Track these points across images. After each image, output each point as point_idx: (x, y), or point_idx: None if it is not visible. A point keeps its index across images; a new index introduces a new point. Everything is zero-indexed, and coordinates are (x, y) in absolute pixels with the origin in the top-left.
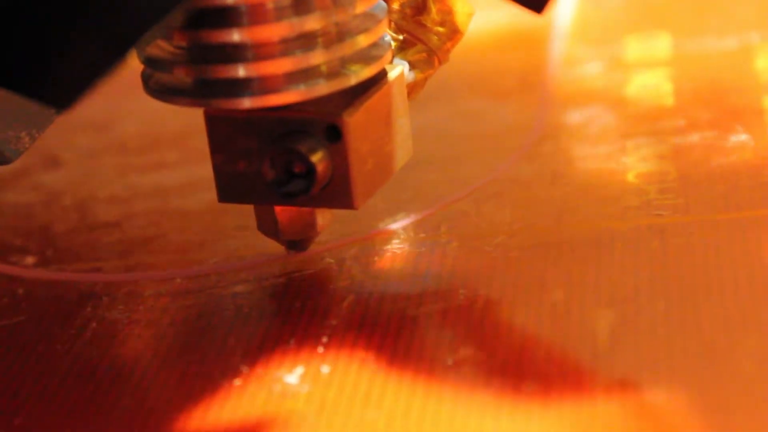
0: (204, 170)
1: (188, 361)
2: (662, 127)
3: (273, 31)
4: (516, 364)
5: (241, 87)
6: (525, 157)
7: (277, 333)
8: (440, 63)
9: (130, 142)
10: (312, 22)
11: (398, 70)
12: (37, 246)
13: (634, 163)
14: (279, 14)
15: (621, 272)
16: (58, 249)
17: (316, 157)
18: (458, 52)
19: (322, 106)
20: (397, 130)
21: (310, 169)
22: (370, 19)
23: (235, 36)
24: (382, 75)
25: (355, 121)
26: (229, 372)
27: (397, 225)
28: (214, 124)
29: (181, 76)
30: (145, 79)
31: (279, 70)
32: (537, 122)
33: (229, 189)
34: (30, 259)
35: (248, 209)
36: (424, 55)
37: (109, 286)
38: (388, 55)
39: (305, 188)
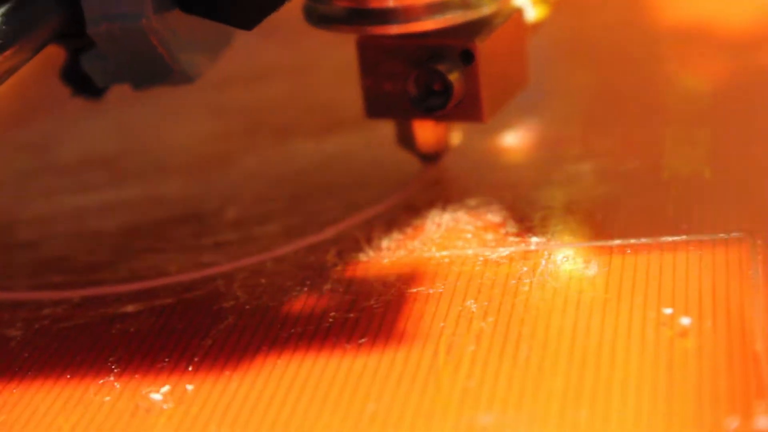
0: (125, 192)
1: (67, 379)
2: (558, 154)
3: None
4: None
5: (390, 15)
6: (424, 184)
7: (156, 352)
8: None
9: (64, 163)
10: None
11: (521, 5)
12: None
13: (525, 191)
14: None
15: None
16: None
17: (453, 77)
18: None
19: (458, 34)
20: (519, 57)
21: (448, 87)
22: None
23: None
24: (508, 8)
25: (486, 47)
26: (104, 389)
27: (288, 249)
28: (366, 50)
29: (338, 7)
30: (308, 12)
31: (421, 2)
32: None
33: (376, 106)
34: None
35: (158, 233)
36: None
37: (13, 304)
38: None
39: (443, 103)
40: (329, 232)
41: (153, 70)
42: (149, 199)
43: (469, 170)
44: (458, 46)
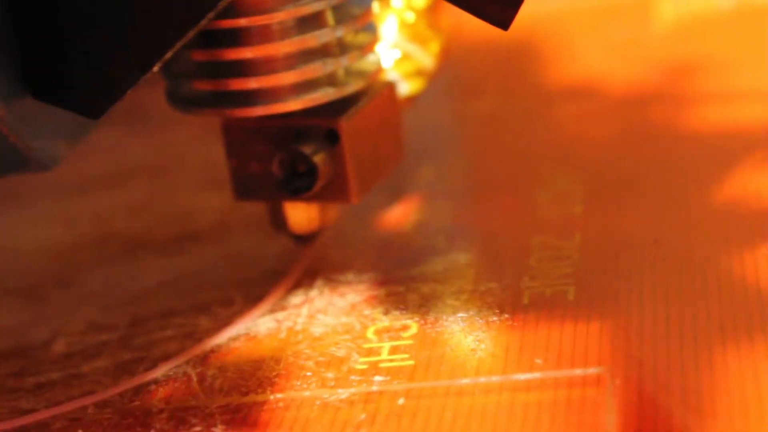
0: None
1: None
2: (415, 273)
3: (279, 49)
4: None
5: (253, 97)
6: (268, 310)
7: None
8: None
9: None
10: (313, 40)
11: (391, 80)
12: None
13: (378, 316)
14: (284, 34)
15: None
16: None
17: (318, 158)
18: None
19: (323, 113)
20: (392, 132)
21: (313, 168)
22: (366, 35)
23: (248, 53)
24: (379, 84)
25: (352, 126)
26: None
27: (113, 391)
28: (230, 131)
29: (200, 89)
30: (168, 92)
31: (285, 82)
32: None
33: (243, 188)
34: None
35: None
36: (414, 71)
37: None
38: (381, 68)
39: (309, 185)
40: (160, 370)
41: (7, 160)
42: None
43: (318, 293)
44: (323, 126)
